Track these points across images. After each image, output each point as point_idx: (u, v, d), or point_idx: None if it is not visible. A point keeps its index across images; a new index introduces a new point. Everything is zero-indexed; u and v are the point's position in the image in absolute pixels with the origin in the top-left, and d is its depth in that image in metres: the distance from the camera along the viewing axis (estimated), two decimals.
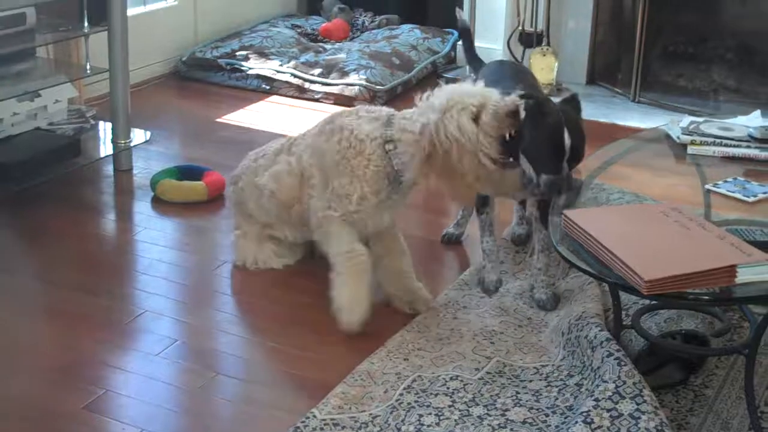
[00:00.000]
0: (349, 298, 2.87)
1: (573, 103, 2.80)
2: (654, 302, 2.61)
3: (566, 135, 2.65)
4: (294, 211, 3.10)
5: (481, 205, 3.09)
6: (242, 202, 3.26)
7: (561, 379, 2.61)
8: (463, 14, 3.46)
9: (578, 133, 2.70)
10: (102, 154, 4.04)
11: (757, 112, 3.26)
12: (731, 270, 2.20)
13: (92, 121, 4.15)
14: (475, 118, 2.69)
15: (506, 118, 2.69)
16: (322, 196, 2.94)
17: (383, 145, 2.82)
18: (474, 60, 3.62)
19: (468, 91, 2.75)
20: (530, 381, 2.63)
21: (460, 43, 5.42)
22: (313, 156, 2.99)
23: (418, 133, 2.72)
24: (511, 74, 3.26)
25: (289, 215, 3.13)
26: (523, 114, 2.69)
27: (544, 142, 2.67)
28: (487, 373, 2.66)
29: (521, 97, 2.71)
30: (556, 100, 2.83)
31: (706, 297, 2.27)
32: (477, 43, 5.12)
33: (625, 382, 2.38)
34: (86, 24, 3.96)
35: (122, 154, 3.98)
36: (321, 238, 2.97)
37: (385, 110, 2.93)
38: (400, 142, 2.80)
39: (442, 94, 2.75)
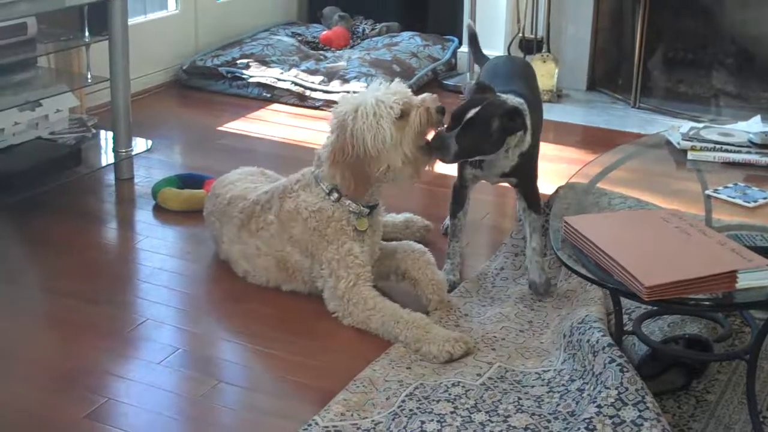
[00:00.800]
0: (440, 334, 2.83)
1: (508, 110, 2.89)
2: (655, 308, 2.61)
3: (471, 111, 2.84)
4: (264, 282, 3.18)
5: (454, 208, 3.19)
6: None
7: (563, 384, 2.61)
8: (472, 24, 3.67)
9: (484, 119, 2.84)
10: (103, 163, 4.05)
11: (757, 118, 3.26)
12: (732, 275, 2.20)
13: (93, 130, 4.16)
14: (403, 115, 2.88)
15: (432, 116, 2.91)
16: (323, 274, 3.00)
17: (329, 199, 2.99)
18: (483, 59, 3.77)
19: (387, 92, 2.92)
20: (532, 386, 2.63)
21: (461, 49, 5.44)
22: (290, 245, 3.05)
23: (332, 133, 2.93)
24: (505, 72, 3.32)
25: (259, 282, 3.20)
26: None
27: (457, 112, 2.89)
28: (489, 378, 2.66)
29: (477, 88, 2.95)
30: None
31: (707, 302, 2.27)
32: None
33: (627, 389, 2.37)
34: (87, 33, 3.98)
35: (123, 162, 3.99)
36: (357, 316, 2.95)
37: (305, 171, 3.09)
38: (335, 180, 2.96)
39: (356, 99, 2.93)
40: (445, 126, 2.92)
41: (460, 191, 3.19)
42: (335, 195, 2.98)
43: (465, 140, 2.86)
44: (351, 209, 2.99)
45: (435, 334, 2.80)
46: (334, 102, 4.79)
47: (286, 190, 3.08)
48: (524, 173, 3.08)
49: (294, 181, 3.09)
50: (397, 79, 3.02)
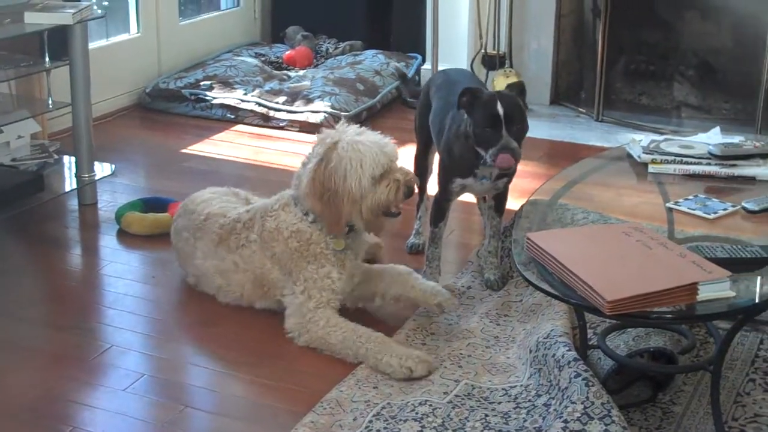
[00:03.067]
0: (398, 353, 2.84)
1: (514, 87, 3.05)
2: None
3: (499, 105, 2.88)
4: (237, 299, 3.18)
5: (436, 219, 3.23)
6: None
7: (529, 400, 2.61)
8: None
9: (513, 105, 2.92)
10: (66, 189, 4.03)
11: (717, 129, 3.29)
12: (693, 288, 2.22)
13: (56, 156, 4.14)
14: (382, 176, 2.93)
15: (400, 195, 2.96)
16: (295, 290, 3.01)
17: (306, 220, 3.02)
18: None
19: (380, 146, 2.96)
20: (499, 403, 2.63)
21: (424, 66, 5.46)
22: (271, 263, 3.06)
23: (314, 157, 2.97)
24: (458, 80, 3.35)
25: (232, 299, 3.20)
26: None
27: (481, 118, 2.91)
28: (456, 396, 2.66)
29: (461, 94, 2.96)
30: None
31: (669, 315, 2.28)
32: (440, 67, 5.18)
33: (593, 403, 2.38)
34: (47, 59, 3.95)
35: (87, 188, 3.97)
36: (315, 333, 2.95)
37: (285, 192, 3.12)
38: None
39: (349, 133, 2.97)
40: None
41: (442, 205, 3.22)
42: (311, 217, 3.01)
43: (516, 131, 2.92)
44: (320, 228, 3.01)
45: (396, 349, 2.80)
46: (298, 122, 4.86)
47: (267, 210, 3.10)
48: (510, 178, 3.17)
49: (274, 201, 3.12)
50: (390, 138, 3.03)
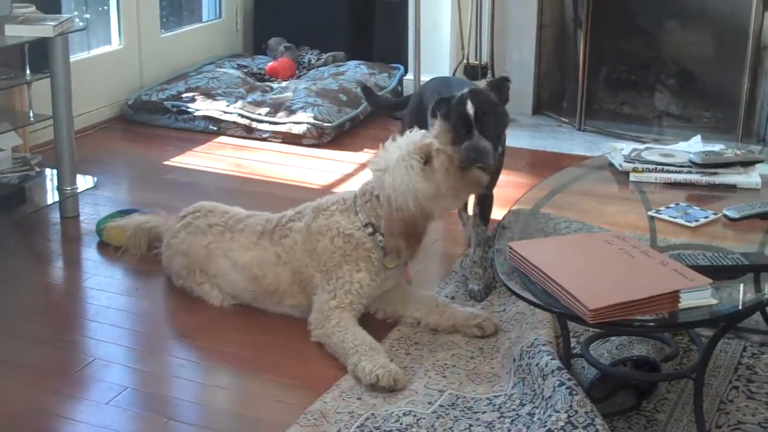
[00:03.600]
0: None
1: (494, 82, 3.14)
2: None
3: (469, 105, 2.95)
4: (270, 294, 3.18)
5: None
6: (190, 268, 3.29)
7: (513, 409, 2.61)
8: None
9: (485, 103, 2.98)
10: (48, 202, 4.01)
11: (698, 137, 3.31)
12: (674, 295, 2.23)
13: (37, 169, 4.12)
14: (426, 161, 2.90)
15: (447, 135, 2.94)
16: (325, 288, 3.03)
17: (364, 231, 3.03)
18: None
19: (404, 143, 2.97)
20: (483, 412, 2.63)
21: (407, 77, 5.47)
22: (309, 258, 3.08)
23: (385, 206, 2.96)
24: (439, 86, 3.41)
25: (262, 296, 3.20)
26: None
27: (455, 121, 2.97)
28: (440, 406, 2.66)
29: (435, 107, 3.04)
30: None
31: (651, 323, 2.29)
32: (423, 77, 5.20)
33: (577, 412, 2.38)
34: (28, 71, 3.94)
35: (68, 200, 3.95)
36: (325, 329, 2.98)
37: (346, 196, 3.12)
38: (378, 220, 3.01)
39: (385, 154, 2.99)
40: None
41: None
42: (370, 229, 3.03)
43: (489, 129, 2.95)
44: (382, 245, 3.02)
45: (378, 358, 2.81)
46: (281, 133, 4.86)
47: (320, 207, 3.13)
48: (495, 177, 3.19)
49: (331, 202, 3.13)
50: (414, 129, 3.04)
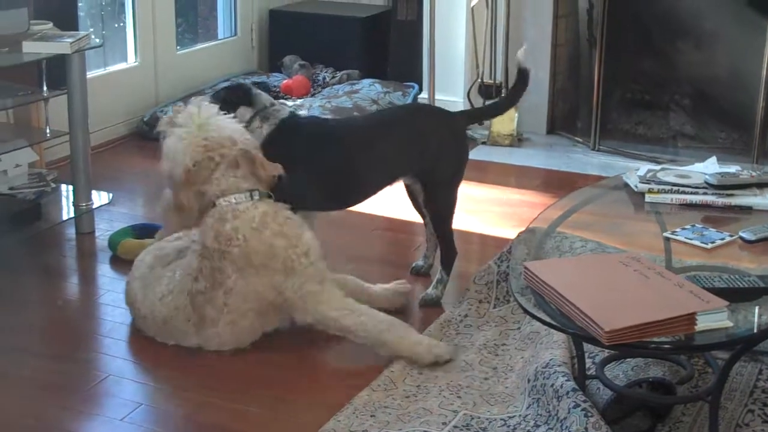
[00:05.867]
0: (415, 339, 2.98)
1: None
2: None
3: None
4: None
5: None
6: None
7: (528, 430, 2.60)
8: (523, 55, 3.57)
9: None
10: (64, 218, 4.03)
11: (713, 159, 3.30)
12: (691, 318, 2.22)
13: (53, 185, 4.13)
14: None
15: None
16: (290, 282, 3.00)
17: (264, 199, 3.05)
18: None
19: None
20: None
21: (421, 95, 5.47)
22: (260, 275, 2.99)
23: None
24: None
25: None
26: None
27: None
28: (455, 427, 2.65)
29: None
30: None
31: (667, 346, 2.28)
32: (437, 96, 5.21)
33: None
34: (45, 88, 3.96)
35: (84, 216, 3.96)
36: (317, 306, 2.99)
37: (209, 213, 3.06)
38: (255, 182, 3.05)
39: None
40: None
41: None
42: (263, 194, 3.05)
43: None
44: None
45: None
46: None
47: (219, 234, 2.99)
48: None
49: (217, 220, 3.01)
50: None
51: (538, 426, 2.60)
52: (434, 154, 3.29)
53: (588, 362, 2.71)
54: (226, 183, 3.00)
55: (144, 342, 3.17)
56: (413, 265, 3.63)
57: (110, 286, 3.56)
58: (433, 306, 3.35)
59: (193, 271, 3.03)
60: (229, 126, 3.05)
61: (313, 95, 5.66)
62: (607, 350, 2.66)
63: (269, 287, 2.98)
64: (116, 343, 3.15)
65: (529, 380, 2.76)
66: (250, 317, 3.03)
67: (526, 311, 2.46)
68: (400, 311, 3.27)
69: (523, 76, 3.55)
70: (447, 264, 3.40)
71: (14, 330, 3.24)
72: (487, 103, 3.85)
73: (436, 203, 3.35)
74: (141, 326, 3.16)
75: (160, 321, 3.08)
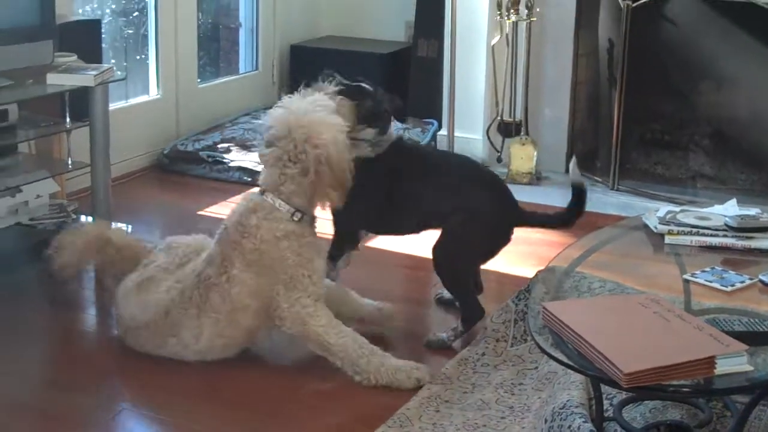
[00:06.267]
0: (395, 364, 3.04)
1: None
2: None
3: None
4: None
5: None
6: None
7: None
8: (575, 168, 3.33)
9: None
10: None
11: (733, 201, 3.29)
12: (710, 361, 2.21)
13: (74, 216, 4.15)
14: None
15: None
16: (292, 290, 3.06)
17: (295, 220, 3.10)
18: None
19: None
20: None
21: (441, 132, 5.48)
22: (264, 276, 3.06)
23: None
24: None
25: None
26: None
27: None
28: None
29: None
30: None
31: (686, 389, 2.27)
32: (456, 133, 5.22)
33: None
34: (68, 119, 3.99)
35: None
36: (311, 330, 3.05)
37: (252, 195, 3.22)
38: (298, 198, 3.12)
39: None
40: None
41: None
42: (298, 215, 3.11)
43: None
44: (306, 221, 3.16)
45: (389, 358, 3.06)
46: None
47: (231, 239, 3.12)
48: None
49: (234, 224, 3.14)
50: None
51: None
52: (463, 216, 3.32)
53: (605, 404, 2.70)
54: (287, 188, 3.11)
55: (162, 375, 3.17)
56: (438, 293, 3.66)
57: None
58: (438, 348, 3.33)
59: (208, 255, 3.14)
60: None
61: None
62: (625, 392, 2.65)
63: (267, 290, 3.06)
64: (133, 376, 3.15)
65: (546, 420, 2.75)
66: (249, 314, 3.09)
67: (543, 351, 2.45)
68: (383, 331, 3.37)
69: (578, 192, 3.32)
70: (464, 320, 3.38)
71: (32, 362, 3.25)
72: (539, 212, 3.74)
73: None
74: (128, 327, 3.25)
75: (162, 312, 3.13)
